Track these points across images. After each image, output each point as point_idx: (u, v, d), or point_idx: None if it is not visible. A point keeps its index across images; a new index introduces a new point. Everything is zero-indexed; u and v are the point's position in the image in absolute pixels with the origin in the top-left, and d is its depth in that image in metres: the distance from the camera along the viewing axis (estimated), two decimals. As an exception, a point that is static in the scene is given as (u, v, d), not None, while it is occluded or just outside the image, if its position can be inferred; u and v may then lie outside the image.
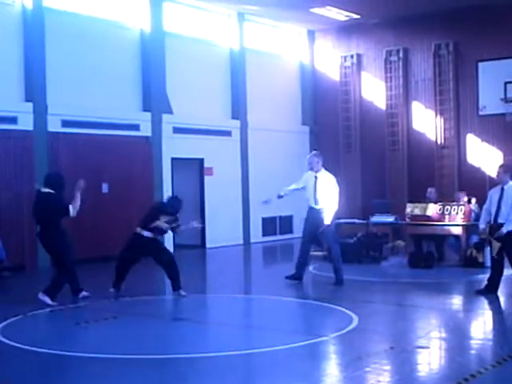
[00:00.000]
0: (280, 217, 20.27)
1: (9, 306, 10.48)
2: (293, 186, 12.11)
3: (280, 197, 12.18)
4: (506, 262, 10.32)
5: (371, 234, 14.81)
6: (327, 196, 11.48)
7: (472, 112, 19.25)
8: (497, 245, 10.10)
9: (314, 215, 11.57)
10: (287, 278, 11.80)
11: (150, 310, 9.92)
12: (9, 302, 10.89)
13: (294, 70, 21.71)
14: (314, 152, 12.03)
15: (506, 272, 10.63)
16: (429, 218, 13.90)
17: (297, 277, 11.80)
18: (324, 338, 7.68)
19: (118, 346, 7.51)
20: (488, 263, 13.06)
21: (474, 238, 13.89)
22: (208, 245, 18.32)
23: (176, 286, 10.72)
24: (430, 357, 6.85)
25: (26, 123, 14.46)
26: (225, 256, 17.14)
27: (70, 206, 10.00)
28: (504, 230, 9.97)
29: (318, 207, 11.53)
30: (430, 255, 13.73)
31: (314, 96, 21.85)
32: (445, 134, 19.50)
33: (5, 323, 8.79)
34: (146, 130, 16.76)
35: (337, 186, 11.62)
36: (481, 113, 19.10)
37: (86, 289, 10.49)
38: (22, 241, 14.19)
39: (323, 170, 11.74)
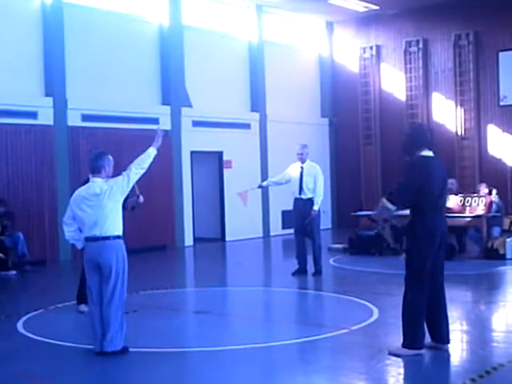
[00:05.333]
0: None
1: (30, 299, 10.59)
2: (276, 179, 12.38)
3: (260, 187, 13.08)
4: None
5: (391, 227, 14.72)
6: (314, 185, 11.64)
7: (493, 102, 19.10)
8: None
9: (300, 206, 11.71)
10: (293, 274, 11.87)
11: (170, 303, 9.95)
12: (30, 296, 11.01)
13: (313, 62, 21.64)
14: (303, 143, 12.15)
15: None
16: (449, 210, 13.78)
17: (301, 270, 11.88)
18: (344, 331, 7.67)
19: (139, 339, 7.54)
20: (509, 255, 13.02)
21: (495, 230, 13.81)
22: (228, 238, 18.36)
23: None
24: (452, 349, 6.81)
25: (46, 118, 14.55)
26: (244, 249, 17.16)
27: None
28: None
29: (304, 197, 11.67)
30: (451, 247, 13.63)
31: (333, 88, 21.77)
32: (465, 124, 19.36)
33: (27, 317, 8.87)
34: (165, 124, 16.77)
35: (322, 175, 11.83)
36: (502, 103, 18.95)
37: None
38: (43, 235, 14.31)
39: (308, 160, 11.88)
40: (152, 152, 7.14)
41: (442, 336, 6.73)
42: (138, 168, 7.00)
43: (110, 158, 7.10)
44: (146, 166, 7.09)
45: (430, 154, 6.67)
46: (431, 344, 6.73)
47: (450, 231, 13.88)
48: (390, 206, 6.66)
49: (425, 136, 6.70)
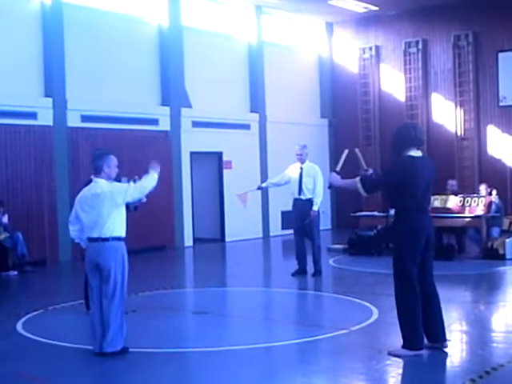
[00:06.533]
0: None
1: (30, 300, 10.58)
2: (275, 180, 12.41)
3: (260, 188, 13.31)
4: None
5: (391, 227, 14.73)
6: (313, 186, 11.65)
7: (492, 103, 19.10)
8: None
9: (300, 206, 11.73)
10: (293, 274, 11.87)
11: (170, 303, 9.95)
12: (30, 297, 11.00)
13: (313, 63, 21.64)
14: (302, 144, 12.15)
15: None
16: (449, 210, 13.81)
17: (301, 271, 11.89)
18: (344, 332, 7.66)
19: (139, 340, 7.53)
20: (509, 255, 13.03)
21: (495, 230, 13.81)
22: (227, 238, 18.35)
23: None
24: (451, 350, 6.81)
25: (45, 118, 14.54)
26: (244, 249, 17.16)
27: None
28: None
29: (303, 198, 11.68)
30: (451, 247, 13.65)
31: (333, 89, 21.77)
32: (465, 125, 19.36)
33: (26, 317, 8.86)
34: (164, 125, 16.79)
35: (322, 175, 11.80)
36: (501, 103, 18.95)
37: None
38: (43, 235, 14.30)
39: (308, 161, 11.89)
40: (155, 177, 7.09)
41: (436, 336, 6.73)
42: (141, 188, 7.00)
43: (113, 158, 7.05)
44: (147, 191, 7.08)
45: (417, 153, 6.73)
46: (428, 345, 6.72)
47: (449, 231, 14.11)
48: (359, 186, 6.81)
49: (411, 135, 6.73)
